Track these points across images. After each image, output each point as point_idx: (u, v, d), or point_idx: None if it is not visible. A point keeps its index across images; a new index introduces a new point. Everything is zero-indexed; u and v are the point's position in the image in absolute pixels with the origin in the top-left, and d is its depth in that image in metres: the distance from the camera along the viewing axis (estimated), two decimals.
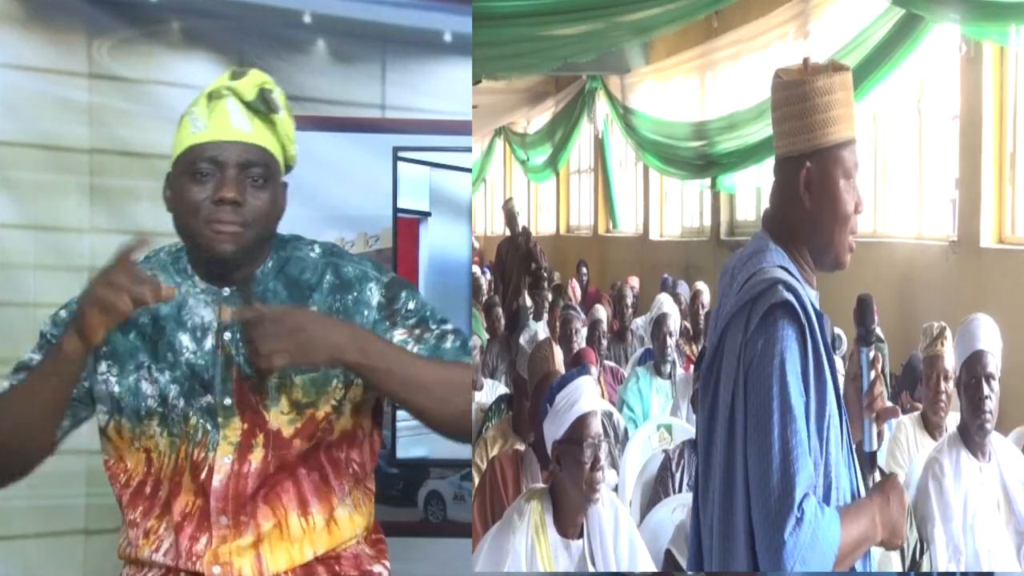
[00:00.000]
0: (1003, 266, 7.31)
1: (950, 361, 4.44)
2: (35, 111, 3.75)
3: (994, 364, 3.97)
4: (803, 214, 2.36)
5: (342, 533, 2.52)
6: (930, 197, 8.48)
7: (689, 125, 11.44)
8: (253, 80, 2.42)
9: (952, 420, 4.45)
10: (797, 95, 2.35)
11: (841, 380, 2.43)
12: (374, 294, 2.47)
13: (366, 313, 2.46)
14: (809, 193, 2.35)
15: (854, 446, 2.40)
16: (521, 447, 4.40)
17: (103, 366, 2.46)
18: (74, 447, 3.57)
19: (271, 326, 2.24)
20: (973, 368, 3.96)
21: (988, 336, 4.02)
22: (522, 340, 5.75)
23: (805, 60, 2.39)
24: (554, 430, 3.37)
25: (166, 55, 3.83)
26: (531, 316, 8.89)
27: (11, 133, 3.73)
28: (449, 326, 2.49)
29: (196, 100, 2.43)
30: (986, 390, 3.92)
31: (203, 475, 2.42)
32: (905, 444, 4.60)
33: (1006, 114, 7.48)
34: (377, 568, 2.57)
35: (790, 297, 2.25)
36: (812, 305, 2.31)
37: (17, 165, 3.75)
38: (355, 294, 2.47)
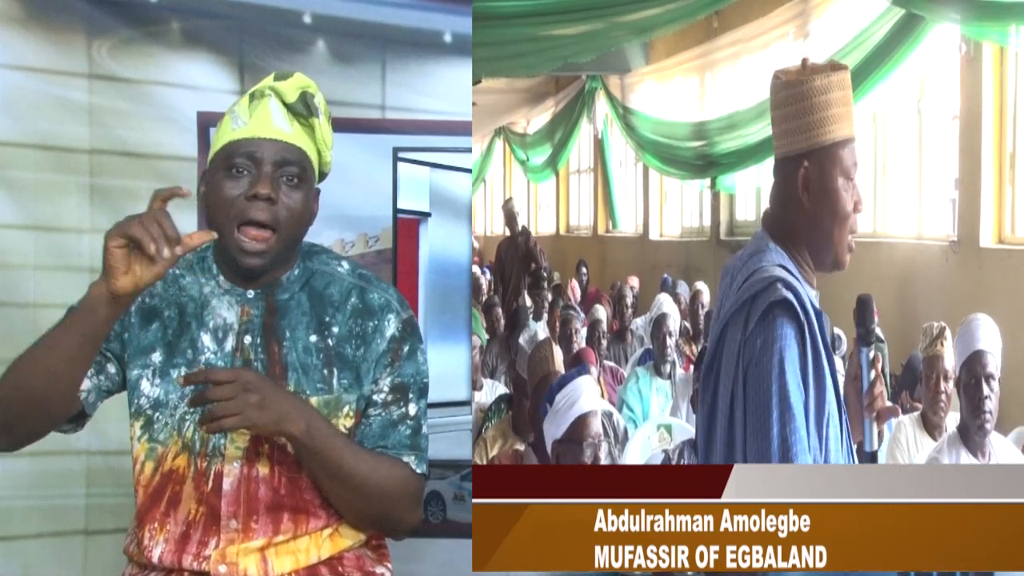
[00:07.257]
0: (1003, 266, 7.36)
1: (950, 361, 4.49)
2: (35, 111, 3.74)
3: (994, 364, 4.03)
4: (802, 214, 2.39)
5: (345, 541, 2.52)
6: (930, 197, 8.53)
7: (689, 125, 11.46)
8: (296, 83, 2.44)
9: (952, 420, 4.49)
10: (795, 95, 2.38)
11: (841, 380, 2.43)
12: (391, 325, 2.49)
13: (379, 341, 2.47)
14: (808, 193, 2.38)
15: (854, 446, 2.41)
16: (521, 447, 4.44)
17: (135, 361, 2.45)
18: (74, 447, 3.60)
19: (227, 388, 2.25)
20: (973, 368, 4.02)
21: (988, 336, 4.08)
22: (522, 340, 5.81)
23: (804, 60, 2.42)
24: (554, 430, 3.37)
25: (166, 55, 3.82)
26: (531, 316, 8.89)
27: (11, 133, 3.72)
28: (413, 409, 2.49)
29: (239, 100, 2.45)
30: (986, 390, 3.98)
31: (209, 483, 2.42)
32: (905, 444, 4.61)
33: (1006, 114, 7.54)
34: (380, 569, 2.57)
35: (789, 295, 2.27)
36: (812, 304, 2.33)
37: (17, 165, 3.74)
38: (375, 322, 2.48)
